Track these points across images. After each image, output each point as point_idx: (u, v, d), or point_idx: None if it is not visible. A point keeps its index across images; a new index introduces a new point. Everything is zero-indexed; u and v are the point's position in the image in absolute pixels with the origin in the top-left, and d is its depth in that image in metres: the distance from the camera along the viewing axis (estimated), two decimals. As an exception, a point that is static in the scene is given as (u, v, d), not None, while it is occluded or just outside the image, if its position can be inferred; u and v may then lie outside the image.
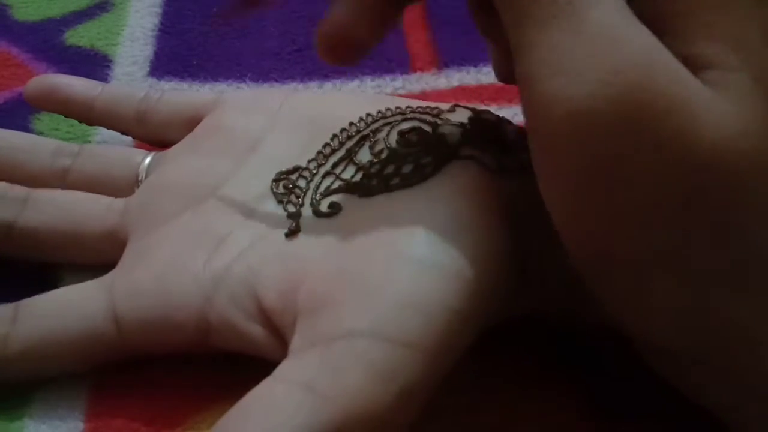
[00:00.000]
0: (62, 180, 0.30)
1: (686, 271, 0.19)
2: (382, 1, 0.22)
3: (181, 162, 0.29)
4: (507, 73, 0.23)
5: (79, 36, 0.38)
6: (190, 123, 0.30)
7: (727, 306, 0.19)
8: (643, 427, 0.24)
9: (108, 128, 0.32)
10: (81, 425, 0.24)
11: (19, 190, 0.28)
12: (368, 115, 0.27)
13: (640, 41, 0.18)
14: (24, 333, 0.24)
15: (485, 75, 0.37)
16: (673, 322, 0.20)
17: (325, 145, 0.26)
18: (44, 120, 0.34)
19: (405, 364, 0.20)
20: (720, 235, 0.18)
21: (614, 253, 0.19)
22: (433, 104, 0.27)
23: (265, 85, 0.37)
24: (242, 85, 0.37)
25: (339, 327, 0.21)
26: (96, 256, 0.28)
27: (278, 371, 0.21)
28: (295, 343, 0.21)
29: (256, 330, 0.23)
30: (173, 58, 0.38)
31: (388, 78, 0.37)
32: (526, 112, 0.19)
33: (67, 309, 0.25)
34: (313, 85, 0.37)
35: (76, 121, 0.33)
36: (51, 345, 0.24)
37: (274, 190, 0.26)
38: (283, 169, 0.26)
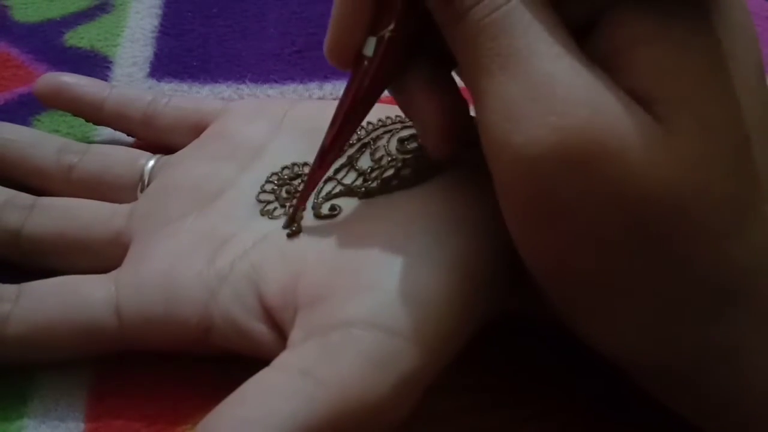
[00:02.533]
0: (67, 176, 0.30)
1: (645, 293, 0.19)
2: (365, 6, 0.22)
3: (187, 166, 0.29)
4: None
5: (79, 37, 0.38)
6: (195, 129, 0.30)
7: (696, 326, 0.20)
8: (642, 426, 0.24)
9: (114, 129, 0.33)
10: (81, 425, 0.24)
11: (25, 197, 0.29)
12: (369, 123, 0.27)
13: (581, 84, 0.18)
14: (25, 314, 0.24)
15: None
16: (639, 338, 0.20)
17: None
18: (44, 121, 0.34)
19: (401, 354, 0.20)
20: (671, 263, 0.19)
21: (568, 276, 0.20)
22: None
23: (265, 86, 0.37)
24: (242, 86, 0.37)
25: (336, 317, 0.21)
26: (101, 262, 0.27)
27: (277, 361, 0.21)
28: (294, 335, 0.22)
29: (258, 328, 0.23)
30: (173, 59, 0.38)
31: (387, 79, 0.37)
32: (485, 154, 0.20)
33: (69, 296, 0.25)
34: (313, 85, 0.37)
35: (75, 123, 0.33)
36: (49, 329, 0.24)
37: (278, 194, 0.26)
38: (285, 174, 0.26)
